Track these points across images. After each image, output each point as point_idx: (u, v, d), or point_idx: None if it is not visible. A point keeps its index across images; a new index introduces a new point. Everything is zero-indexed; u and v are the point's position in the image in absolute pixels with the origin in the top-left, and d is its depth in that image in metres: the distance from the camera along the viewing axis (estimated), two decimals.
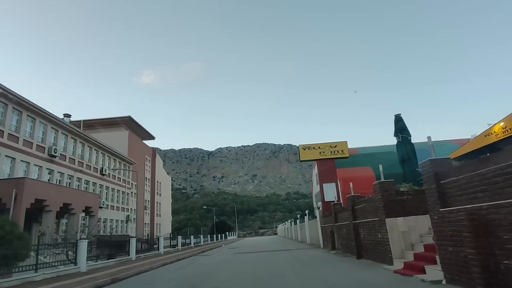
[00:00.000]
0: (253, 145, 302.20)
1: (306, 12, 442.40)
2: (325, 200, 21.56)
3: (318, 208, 21.32)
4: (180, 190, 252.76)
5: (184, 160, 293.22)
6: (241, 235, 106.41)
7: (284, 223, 71.71)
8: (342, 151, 22.25)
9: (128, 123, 42.47)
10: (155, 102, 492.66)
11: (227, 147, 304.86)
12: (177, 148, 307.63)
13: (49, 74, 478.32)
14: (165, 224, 51.23)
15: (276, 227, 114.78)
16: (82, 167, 29.75)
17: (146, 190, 45.62)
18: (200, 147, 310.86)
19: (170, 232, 53.99)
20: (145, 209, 44.53)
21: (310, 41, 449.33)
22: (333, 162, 22.21)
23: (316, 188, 39.86)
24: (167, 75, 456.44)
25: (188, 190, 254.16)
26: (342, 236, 15.31)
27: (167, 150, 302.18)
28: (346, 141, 22.47)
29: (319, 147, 22.24)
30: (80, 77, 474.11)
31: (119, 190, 37.10)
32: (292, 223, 45.39)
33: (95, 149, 32.25)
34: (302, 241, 35.34)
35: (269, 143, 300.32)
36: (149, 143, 50.26)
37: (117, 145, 37.84)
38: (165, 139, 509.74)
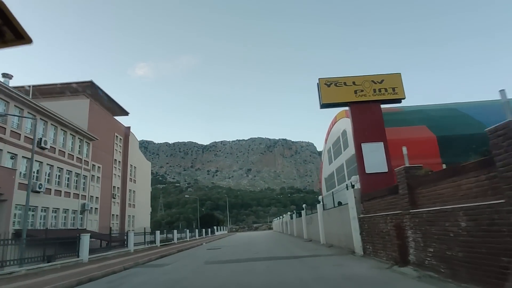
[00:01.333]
0: (248, 139, 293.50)
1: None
2: (367, 171, 12.62)
3: (352, 186, 12.36)
4: (174, 183, 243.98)
5: (178, 154, 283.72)
6: (233, 229, 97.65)
7: (280, 217, 63.08)
8: (394, 89, 13.08)
9: (90, 90, 33.33)
10: (149, 95, 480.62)
11: (221, 141, 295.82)
12: (171, 141, 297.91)
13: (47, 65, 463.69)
14: (141, 217, 42.35)
15: (271, 222, 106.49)
16: (4, 134, 20.73)
17: (115, 174, 36.68)
18: (194, 141, 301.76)
19: (148, 226, 45.23)
20: (113, 198, 35.63)
21: (307, 23, 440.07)
22: (378, 108, 13.26)
23: (328, 168, 32.54)
24: (161, 68, 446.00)
25: (181, 184, 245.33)
26: (444, 237, 6.59)
27: (161, 143, 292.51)
28: (400, 73, 13.34)
29: (353, 83, 13.22)
30: (73, 73, 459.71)
31: (70, 171, 28.07)
32: (293, 215, 36.85)
33: (32, 114, 23.24)
34: (309, 239, 26.63)
35: (264, 137, 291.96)
36: (124, 121, 41.34)
37: (74, 117, 28.87)
38: (160, 132, 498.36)
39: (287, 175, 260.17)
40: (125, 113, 40.59)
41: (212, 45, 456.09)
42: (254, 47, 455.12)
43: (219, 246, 24.99)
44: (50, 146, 25.16)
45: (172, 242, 36.64)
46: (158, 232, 32.93)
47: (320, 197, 24.04)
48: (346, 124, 23.85)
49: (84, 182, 30.28)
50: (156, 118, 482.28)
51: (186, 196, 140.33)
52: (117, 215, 36.62)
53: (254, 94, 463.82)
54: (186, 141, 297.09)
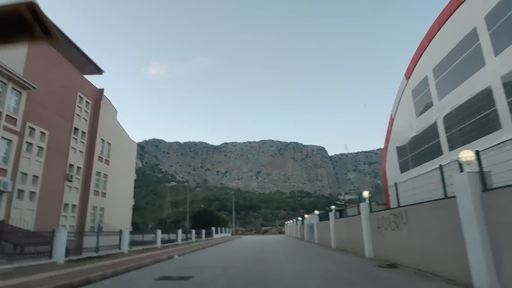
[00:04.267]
0: (259, 141, 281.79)
1: (318, 6, 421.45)
2: None
3: None
4: (182, 183, 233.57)
5: (188, 154, 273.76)
6: (239, 231, 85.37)
7: (295, 220, 50.72)
8: None
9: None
10: (162, 94, 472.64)
11: (232, 142, 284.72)
12: (182, 141, 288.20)
13: None
14: (117, 210, 30.86)
15: (281, 225, 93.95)
16: None
17: (74, 149, 25.36)
18: (205, 141, 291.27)
19: (129, 223, 33.73)
20: (69, 180, 24.28)
21: (320, 34, 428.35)
22: None
23: (406, 125, 17.00)
24: (175, 67, 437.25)
25: (190, 183, 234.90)
26: None
27: (172, 142, 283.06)
28: None
29: None
30: None
31: None
32: (323, 217, 25.59)
33: None
34: (359, 254, 14.65)
35: (275, 140, 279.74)
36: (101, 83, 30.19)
37: (6, 58, 17.75)
38: (171, 131, 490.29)
39: (297, 179, 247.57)
40: (98, 70, 29.34)
41: (226, 46, 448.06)
42: (268, 49, 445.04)
43: (199, 265, 13.33)
44: None
45: (156, 246, 25.40)
46: (126, 233, 21.44)
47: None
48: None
49: (7, 150, 18.97)
50: (168, 117, 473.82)
51: (182, 196, 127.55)
52: (73, 205, 25.13)
53: (267, 96, 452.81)
54: (196, 141, 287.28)
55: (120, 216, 31.57)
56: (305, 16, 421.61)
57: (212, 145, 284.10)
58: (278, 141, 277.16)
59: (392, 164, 17.91)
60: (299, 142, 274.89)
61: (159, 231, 27.62)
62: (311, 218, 33.13)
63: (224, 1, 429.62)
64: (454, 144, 14.18)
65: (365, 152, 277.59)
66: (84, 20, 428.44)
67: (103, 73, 30.07)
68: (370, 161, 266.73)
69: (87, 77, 28.70)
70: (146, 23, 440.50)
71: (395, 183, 12.57)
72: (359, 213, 15.06)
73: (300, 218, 44.34)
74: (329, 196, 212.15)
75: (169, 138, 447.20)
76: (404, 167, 16.28)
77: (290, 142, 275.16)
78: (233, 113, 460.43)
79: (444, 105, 15.10)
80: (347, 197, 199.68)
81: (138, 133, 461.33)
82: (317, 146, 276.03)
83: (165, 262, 15.83)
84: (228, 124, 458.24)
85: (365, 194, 14.90)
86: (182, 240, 32.17)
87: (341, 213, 21.99)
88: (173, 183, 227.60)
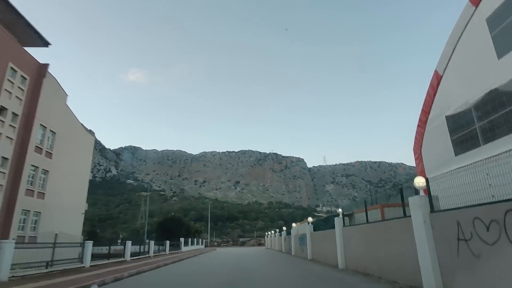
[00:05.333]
0: (238, 151, 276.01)
1: (299, 12, 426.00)
2: None
3: None
4: (158, 192, 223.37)
5: (166, 162, 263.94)
6: (215, 243, 78.69)
7: (277, 231, 45.18)
8: None
9: None
10: (140, 101, 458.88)
11: (211, 152, 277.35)
12: (159, 149, 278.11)
13: None
14: (64, 217, 24.43)
15: (260, 236, 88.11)
16: None
17: None
18: (183, 150, 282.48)
19: (79, 233, 27.17)
20: None
21: (303, 44, 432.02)
22: None
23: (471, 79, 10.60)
24: (154, 74, 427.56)
25: (167, 192, 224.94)
26: None
27: (149, 150, 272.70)
28: None
29: None
30: (64, 75, 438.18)
31: None
32: (319, 226, 20.92)
33: None
34: (400, 281, 9.24)
35: (254, 150, 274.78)
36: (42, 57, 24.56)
37: None
38: (148, 139, 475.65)
39: (276, 190, 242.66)
40: (42, 42, 23.41)
41: (207, 55, 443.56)
42: (249, 59, 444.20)
43: None
44: None
45: (103, 262, 19.43)
46: (89, 245, 15.50)
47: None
48: None
49: None
50: (145, 124, 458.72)
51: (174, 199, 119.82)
52: None
53: (246, 106, 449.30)
54: (175, 149, 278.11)
55: (67, 223, 25.01)
56: (286, 25, 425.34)
57: (191, 154, 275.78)
58: (258, 151, 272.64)
59: (435, 144, 12.45)
60: (279, 153, 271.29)
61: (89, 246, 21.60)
62: (301, 227, 27.94)
63: (206, 10, 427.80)
64: None
65: (343, 164, 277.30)
66: (60, 20, 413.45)
67: (50, 46, 24.07)
68: (348, 174, 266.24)
69: (31, 50, 22.69)
70: (126, 29, 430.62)
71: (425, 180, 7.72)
72: (382, 218, 9.91)
73: (284, 228, 38.85)
74: (307, 207, 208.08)
75: (147, 145, 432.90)
76: (462, 146, 10.78)
77: (270, 152, 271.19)
78: (213, 122, 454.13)
79: None
80: (325, 208, 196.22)
81: (114, 140, 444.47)
82: (296, 157, 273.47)
83: None
84: (208, 133, 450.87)
85: (420, 181, 8.74)
86: (132, 254, 25.91)
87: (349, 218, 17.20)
88: (148, 192, 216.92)
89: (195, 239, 53.96)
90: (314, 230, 22.67)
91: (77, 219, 27.84)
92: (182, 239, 42.67)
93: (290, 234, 31.83)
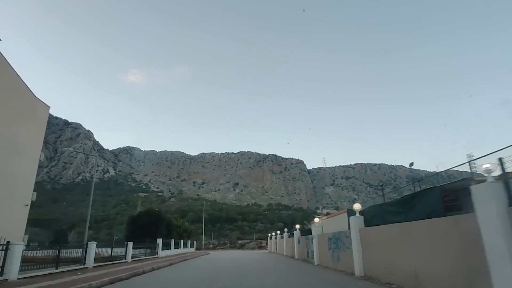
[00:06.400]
0: (237, 153, 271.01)
1: (299, 20, 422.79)
2: None
3: None
4: (156, 193, 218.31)
5: (164, 163, 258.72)
6: (211, 245, 73.49)
7: (285, 232, 39.54)
8: None
9: None
10: (140, 101, 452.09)
11: (210, 153, 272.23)
12: (158, 150, 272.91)
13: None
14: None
15: (260, 238, 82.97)
16: None
17: None
18: (182, 151, 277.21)
19: (21, 232, 21.93)
20: None
21: (300, 45, 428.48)
22: None
23: None
24: (154, 76, 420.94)
25: (165, 193, 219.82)
26: None
27: (147, 151, 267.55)
28: None
29: None
30: (63, 76, 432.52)
31: None
32: (384, 214, 13.74)
33: None
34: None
35: (253, 152, 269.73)
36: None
37: None
38: (147, 139, 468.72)
39: (275, 192, 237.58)
40: None
41: (207, 57, 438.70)
42: (248, 61, 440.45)
43: None
44: None
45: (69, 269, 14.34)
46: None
47: None
48: None
49: None
50: (144, 125, 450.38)
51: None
52: None
53: (246, 107, 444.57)
54: (173, 150, 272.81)
55: (3, 221, 19.28)
56: (286, 25, 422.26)
57: (190, 155, 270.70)
58: (257, 153, 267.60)
59: None
60: (278, 154, 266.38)
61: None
62: (331, 221, 22.02)
63: (207, 12, 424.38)
64: None
65: (343, 166, 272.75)
66: (58, 23, 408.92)
67: None
68: (348, 176, 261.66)
69: None
70: (127, 29, 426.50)
71: None
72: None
73: (297, 226, 33.07)
74: (307, 209, 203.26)
75: (145, 146, 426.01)
76: None
77: (269, 154, 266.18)
78: (212, 124, 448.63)
79: None
80: (325, 211, 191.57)
81: (112, 141, 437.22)
82: (296, 159, 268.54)
83: None
84: (207, 134, 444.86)
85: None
86: (104, 259, 20.94)
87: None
88: (146, 193, 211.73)
89: (182, 241, 46.46)
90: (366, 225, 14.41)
91: (20, 212, 22.01)
92: (159, 241, 33.18)
93: (311, 234, 24.43)
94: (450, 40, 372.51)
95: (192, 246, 54.65)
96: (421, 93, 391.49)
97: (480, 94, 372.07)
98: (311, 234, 23.73)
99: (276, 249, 44.32)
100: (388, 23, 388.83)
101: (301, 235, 29.07)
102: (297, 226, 33.39)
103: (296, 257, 29.43)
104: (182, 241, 46.53)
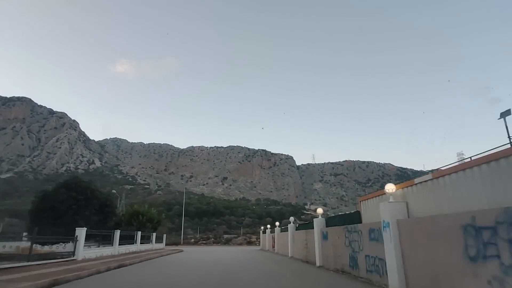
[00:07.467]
0: (227, 147, 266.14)
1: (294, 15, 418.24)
2: None
3: None
4: (143, 185, 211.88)
5: (152, 156, 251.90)
6: (193, 240, 68.80)
7: (290, 223, 33.53)
8: None
9: None
10: (128, 93, 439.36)
11: (199, 146, 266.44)
12: (146, 142, 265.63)
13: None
14: None
15: (249, 233, 78.64)
16: None
17: None
18: (171, 143, 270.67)
19: None
20: None
21: (292, 39, 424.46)
22: None
23: None
24: (143, 66, 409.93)
25: (152, 186, 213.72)
26: None
27: (135, 143, 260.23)
28: None
29: None
30: (49, 64, 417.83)
31: None
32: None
33: None
34: None
35: (243, 146, 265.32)
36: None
37: None
38: (134, 131, 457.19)
39: (264, 187, 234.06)
40: None
41: (197, 49, 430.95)
42: (239, 55, 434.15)
43: None
44: None
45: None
46: None
47: None
48: None
49: None
50: (132, 116, 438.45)
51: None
52: None
53: (236, 101, 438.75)
54: (162, 142, 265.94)
55: None
56: (279, 20, 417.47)
57: (178, 148, 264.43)
58: (246, 147, 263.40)
59: None
60: (268, 150, 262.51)
61: None
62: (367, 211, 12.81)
63: (197, 4, 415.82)
64: None
65: (332, 163, 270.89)
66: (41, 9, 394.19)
67: None
68: (336, 173, 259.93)
69: None
70: (116, 19, 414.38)
71: None
72: None
73: (319, 211, 21.01)
74: (295, 205, 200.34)
75: (133, 138, 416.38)
76: None
77: (259, 149, 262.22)
78: (201, 117, 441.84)
79: None
80: (313, 207, 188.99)
81: (98, 131, 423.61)
82: (285, 154, 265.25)
83: None
84: (196, 128, 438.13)
85: None
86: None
87: None
88: (132, 186, 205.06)
89: (138, 233, 32.73)
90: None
91: None
92: (82, 232, 19.07)
93: (312, 228, 18.31)
94: (429, 27, 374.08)
95: (160, 240, 43.25)
96: (398, 82, 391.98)
97: (459, 81, 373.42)
98: (312, 228, 18.79)
99: (273, 247, 33.60)
100: (364, 14, 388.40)
101: (311, 228, 19.85)
102: (316, 211, 28.73)
103: (318, 264, 17.66)
104: (139, 233, 32.66)
